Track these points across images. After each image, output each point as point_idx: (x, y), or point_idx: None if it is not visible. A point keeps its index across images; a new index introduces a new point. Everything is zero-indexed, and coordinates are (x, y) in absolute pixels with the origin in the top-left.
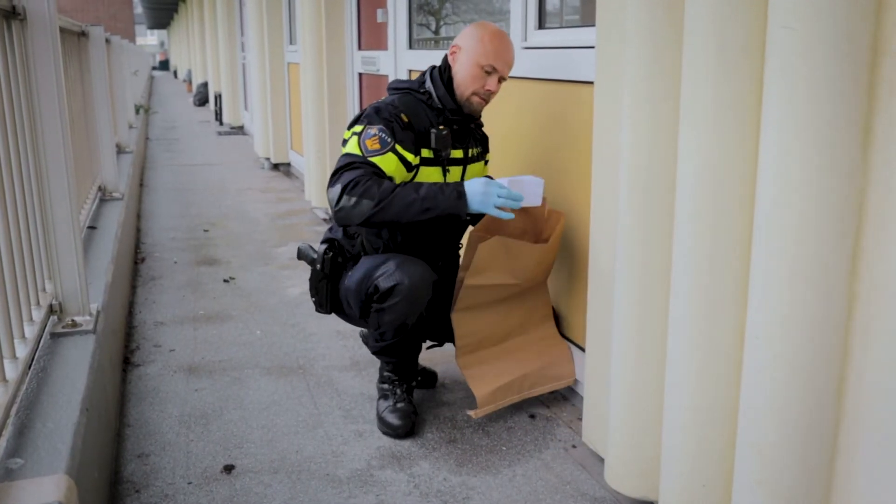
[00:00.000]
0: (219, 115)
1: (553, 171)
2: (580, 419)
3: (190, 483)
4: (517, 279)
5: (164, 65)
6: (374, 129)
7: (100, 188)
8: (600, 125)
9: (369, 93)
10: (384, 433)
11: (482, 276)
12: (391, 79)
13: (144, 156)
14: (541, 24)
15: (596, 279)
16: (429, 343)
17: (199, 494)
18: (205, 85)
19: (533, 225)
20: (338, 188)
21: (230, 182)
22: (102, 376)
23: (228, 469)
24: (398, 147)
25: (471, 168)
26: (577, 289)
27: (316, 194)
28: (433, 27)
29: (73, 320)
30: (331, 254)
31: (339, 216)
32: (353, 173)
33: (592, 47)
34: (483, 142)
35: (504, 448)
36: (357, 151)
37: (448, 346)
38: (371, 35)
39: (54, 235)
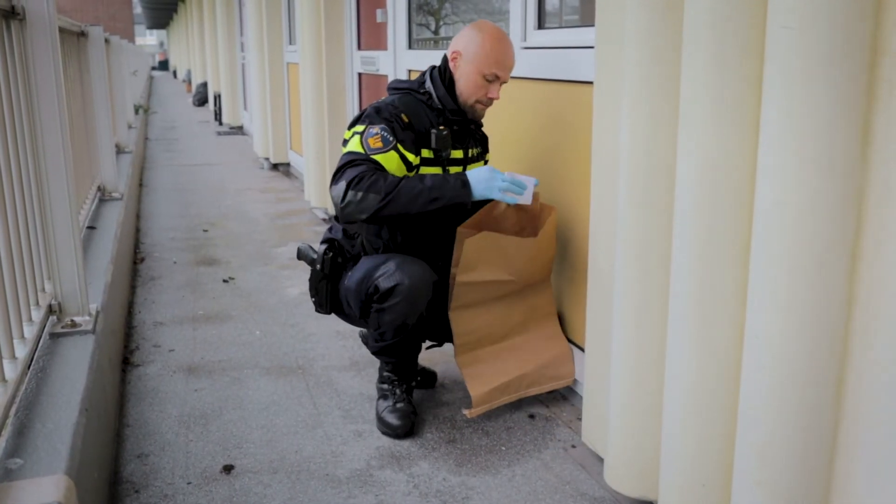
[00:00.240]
0: (218, 115)
1: (552, 171)
2: (580, 419)
3: (189, 483)
4: (511, 275)
5: (164, 65)
6: (376, 129)
7: (99, 188)
8: (600, 125)
9: (369, 93)
10: (383, 433)
11: (474, 272)
12: (391, 79)
13: (144, 156)
14: (540, 25)
15: (595, 279)
16: (428, 343)
17: (198, 494)
18: (204, 85)
19: (528, 221)
20: (342, 185)
21: (229, 182)
22: (102, 376)
23: (228, 469)
24: (399, 146)
25: (470, 168)
26: (577, 289)
27: (315, 194)
28: (433, 27)
29: (72, 320)
30: (331, 254)
31: (346, 212)
32: (356, 170)
33: (592, 47)
34: (483, 142)
35: (503, 448)
36: (359, 149)
37: (448, 346)
38: (370, 35)
39: (53, 235)
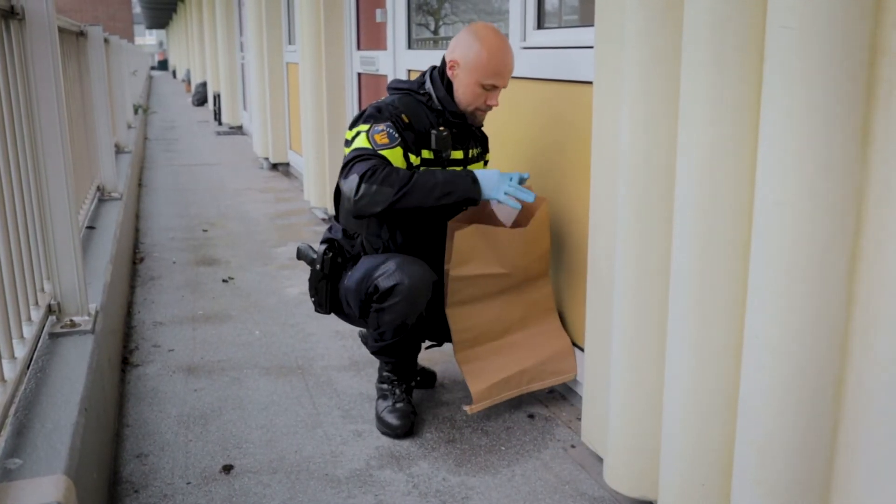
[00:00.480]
0: (218, 115)
1: (552, 171)
2: (579, 419)
3: (189, 483)
4: (506, 268)
5: (163, 65)
6: (381, 125)
7: (98, 188)
8: (599, 125)
9: (368, 93)
10: (383, 433)
11: (467, 266)
12: (390, 79)
13: (143, 156)
14: (540, 24)
15: (595, 279)
16: (428, 343)
17: (197, 494)
18: (203, 85)
19: (520, 215)
20: (354, 178)
21: (229, 182)
22: (101, 376)
23: (227, 469)
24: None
25: (470, 168)
26: (577, 289)
27: (315, 194)
28: (432, 27)
29: (71, 320)
30: (330, 254)
31: (360, 205)
32: (367, 163)
33: (591, 47)
34: (483, 142)
35: (503, 448)
36: (367, 145)
37: (447, 345)
38: (370, 35)
39: (53, 235)
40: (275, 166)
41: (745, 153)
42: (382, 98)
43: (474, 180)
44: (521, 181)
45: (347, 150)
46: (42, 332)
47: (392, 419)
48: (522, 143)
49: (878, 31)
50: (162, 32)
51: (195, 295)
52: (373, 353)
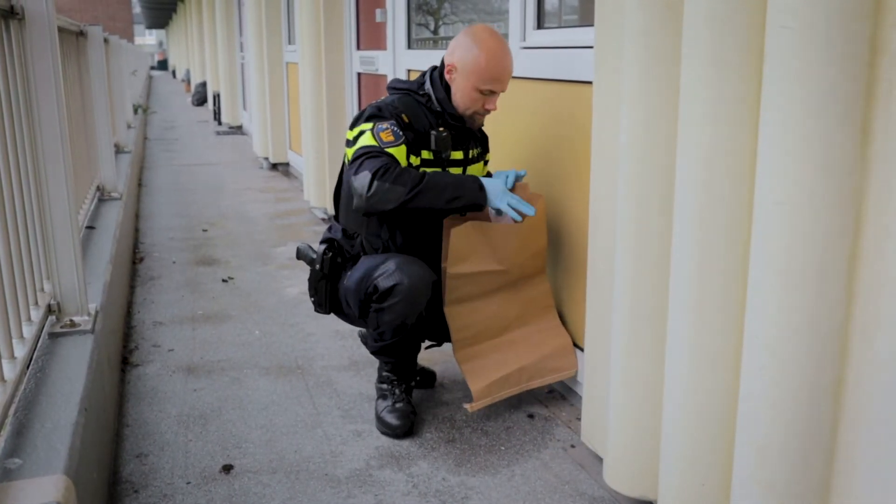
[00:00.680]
0: (217, 115)
1: (552, 171)
2: (579, 419)
3: (189, 483)
4: (502, 265)
5: (163, 64)
6: (385, 124)
7: (98, 188)
8: (599, 125)
9: (368, 92)
10: (383, 433)
11: (464, 263)
12: (390, 79)
13: (143, 155)
14: (539, 24)
15: (595, 279)
16: (427, 343)
17: (197, 494)
18: (203, 85)
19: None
20: (366, 174)
21: (229, 182)
22: (101, 376)
23: (227, 469)
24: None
25: (470, 169)
26: (576, 288)
27: (315, 194)
28: (432, 27)
29: (71, 320)
30: (330, 254)
31: (372, 202)
32: (377, 161)
33: (591, 47)
34: (483, 142)
35: (503, 448)
36: (373, 143)
37: (447, 345)
38: (370, 35)
39: (52, 235)
40: (274, 166)
41: (744, 153)
42: (382, 98)
43: (481, 187)
44: (518, 178)
45: (349, 150)
46: (42, 331)
47: (392, 419)
48: (522, 143)
49: (878, 31)
50: (162, 32)
51: (195, 295)
52: (372, 352)
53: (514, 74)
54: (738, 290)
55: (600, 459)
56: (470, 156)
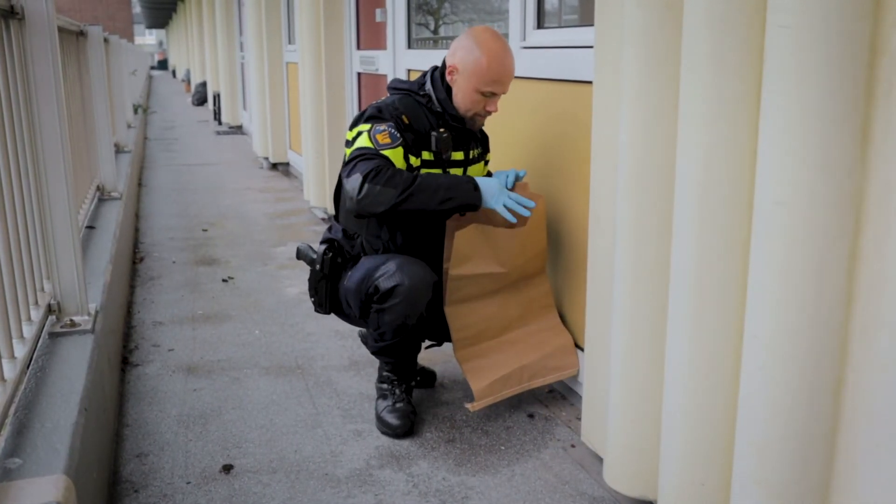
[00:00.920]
0: (217, 115)
1: (552, 171)
2: (579, 419)
3: (189, 483)
4: (504, 266)
5: (163, 64)
6: (383, 125)
7: (98, 188)
8: (599, 125)
9: (368, 92)
10: (383, 433)
11: (466, 265)
12: (390, 78)
13: (143, 155)
14: (539, 24)
15: (595, 279)
16: (428, 343)
17: (197, 494)
18: (203, 84)
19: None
20: (357, 177)
21: (229, 182)
22: (101, 376)
23: (227, 469)
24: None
25: (471, 169)
26: (576, 288)
27: (315, 194)
28: (432, 27)
29: (71, 320)
30: (330, 254)
31: (363, 204)
32: (370, 163)
33: (591, 47)
34: (484, 142)
35: (503, 447)
36: (369, 144)
37: (447, 345)
38: (370, 35)
39: (53, 235)
40: (274, 166)
41: (744, 153)
42: (382, 98)
43: (476, 187)
44: (518, 179)
45: (348, 151)
46: (42, 331)
47: (392, 419)
48: (523, 143)
49: (878, 31)
50: (162, 32)
51: (195, 295)
52: (373, 353)
53: (515, 74)
54: (738, 290)
55: (600, 459)
56: (471, 156)
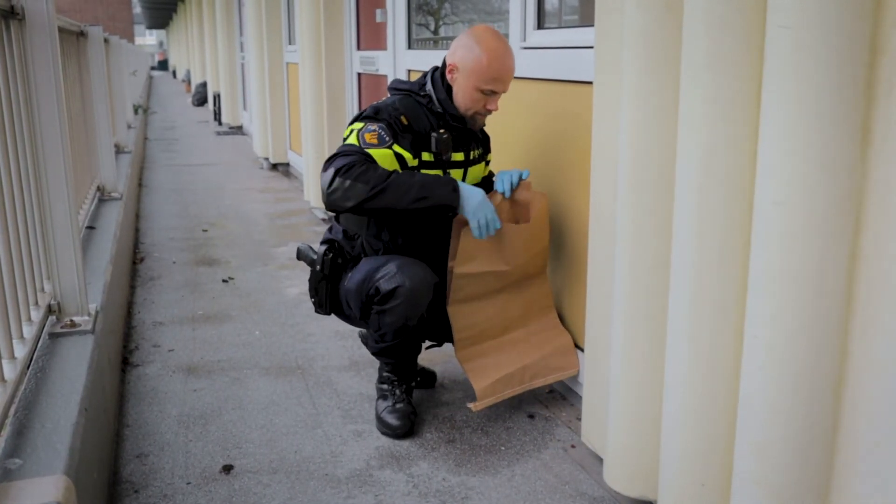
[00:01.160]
0: (218, 115)
1: (552, 171)
2: (579, 419)
3: (189, 483)
4: (507, 265)
5: (163, 65)
6: (374, 126)
7: (98, 188)
8: (599, 125)
9: (368, 93)
10: (383, 433)
11: (471, 263)
12: (390, 79)
13: (143, 156)
14: (540, 24)
15: (595, 279)
16: (428, 343)
17: (197, 495)
18: (204, 85)
19: (521, 211)
20: (330, 171)
21: (229, 182)
22: (101, 376)
23: (227, 469)
24: (395, 146)
25: (472, 170)
26: (577, 289)
27: (315, 194)
28: (432, 27)
29: (71, 320)
30: (330, 255)
31: (332, 198)
32: (346, 159)
33: (591, 47)
34: (484, 143)
35: (503, 448)
36: (355, 142)
37: (447, 346)
38: (370, 35)
39: (53, 235)
40: (275, 166)
41: (744, 153)
42: (383, 99)
43: (455, 189)
44: (521, 179)
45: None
46: (42, 332)
47: (392, 419)
48: (523, 144)
49: (878, 31)
50: (162, 32)
51: (195, 295)
52: (373, 353)
53: (515, 75)
54: (738, 290)
55: (600, 459)
56: (471, 157)
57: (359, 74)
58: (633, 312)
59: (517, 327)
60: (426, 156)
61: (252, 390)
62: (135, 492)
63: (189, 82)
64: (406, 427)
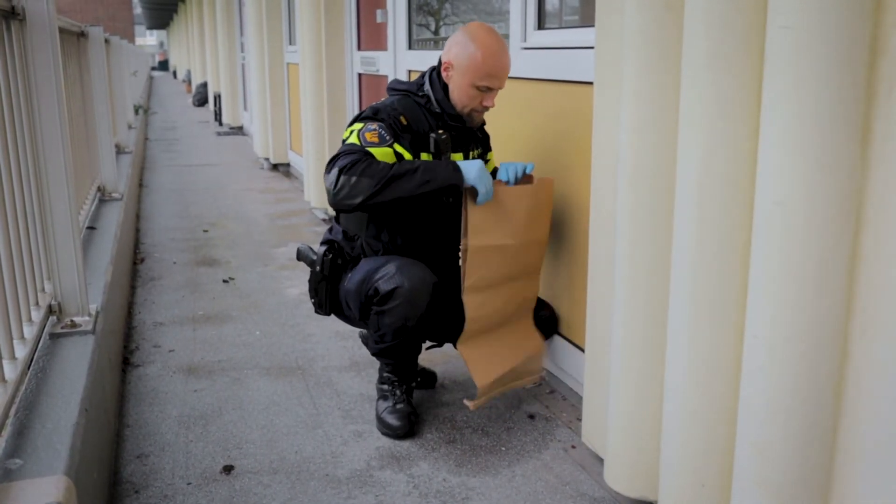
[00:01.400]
0: (218, 116)
1: (553, 172)
2: (579, 419)
3: (189, 484)
4: (513, 238)
5: (164, 65)
6: (373, 125)
7: (99, 188)
8: (600, 125)
9: (369, 93)
10: (383, 434)
11: (482, 235)
12: (391, 79)
13: (144, 156)
14: (540, 25)
15: (595, 279)
16: (428, 343)
17: (198, 495)
18: (204, 85)
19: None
20: (334, 171)
21: (229, 182)
22: (101, 377)
23: (228, 469)
24: (396, 145)
25: None
26: (577, 289)
27: (315, 195)
28: (433, 27)
29: (72, 321)
30: (330, 255)
31: (339, 197)
32: (348, 157)
33: (592, 47)
34: (484, 142)
35: (503, 448)
36: (356, 142)
37: (448, 346)
38: (370, 35)
39: (53, 236)
40: (275, 167)
41: (744, 153)
42: (382, 99)
43: (455, 168)
44: (525, 173)
45: None
46: (42, 332)
47: (392, 420)
48: (523, 144)
49: (878, 32)
50: (162, 33)
51: (195, 295)
52: (373, 354)
53: (515, 75)
54: (738, 290)
55: (601, 460)
56: (470, 157)
57: (359, 75)
58: (633, 312)
59: (507, 323)
60: (425, 156)
61: (252, 391)
62: (135, 492)
63: (189, 83)
64: (406, 427)
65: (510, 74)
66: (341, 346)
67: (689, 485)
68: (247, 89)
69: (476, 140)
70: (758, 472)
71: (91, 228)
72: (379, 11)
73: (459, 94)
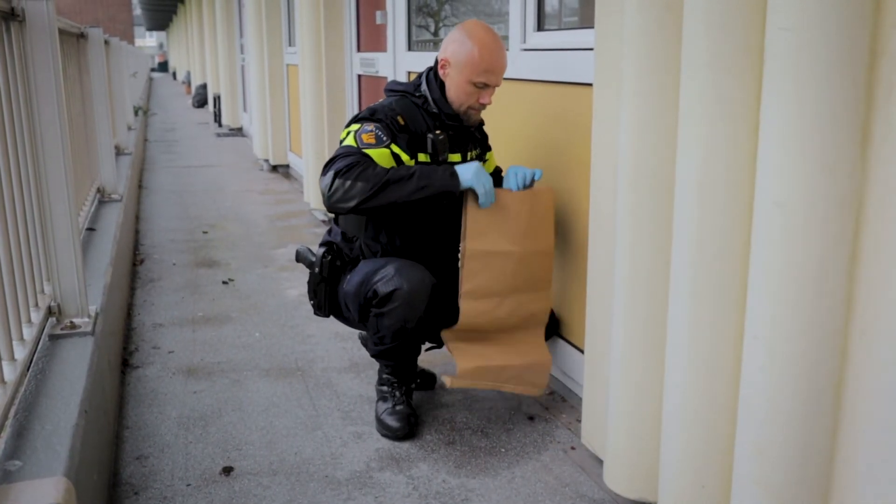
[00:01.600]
0: (218, 117)
1: (552, 173)
2: (579, 421)
3: (189, 485)
4: (515, 244)
5: (163, 66)
6: (370, 126)
7: (98, 190)
8: (599, 127)
9: (368, 94)
10: (383, 435)
11: (481, 239)
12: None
13: (143, 157)
14: (540, 26)
15: (595, 281)
16: (428, 345)
17: (197, 496)
18: (204, 87)
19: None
20: (329, 174)
21: (229, 184)
22: (101, 378)
23: (227, 471)
24: (393, 146)
25: None
26: (577, 290)
27: (315, 196)
28: (432, 29)
29: (71, 322)
30: (329, 257)
31: (333, 200)
32: (345, 160)
33: (591, 49)
34: (482, 142)
35: (503, 450)
36: (353, 144)
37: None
38: (370, 37)
39: (53, 237)
40: (275, 168)
41: (744, 153)
42: (380, 100)
43: (452, 174)
44: (535, 180)
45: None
46: (42, 333)
47: (392, 421)
48: (523, 145)
49: (878, 33)
50: (162, 34)
51: (195, 297)
52: (373, 355)
53: (515, 76)
54: (738, 291)
55: (600, 461)
56: (469, 158)
57: (359, 76)
58: (633, 313)
59: (508, 332)
60: (422, 157)
61: (252, 392)
62: (135, 494)
63: (189, 84)
64: (406, 429)
65: (509, 76)
66: (341, 347)
67: (689, 485)
68: (246, 91)
69: (474, 140)
70: (758, 473)
71: (90, 230)
72: (378, 13)
73: (456, 91)
